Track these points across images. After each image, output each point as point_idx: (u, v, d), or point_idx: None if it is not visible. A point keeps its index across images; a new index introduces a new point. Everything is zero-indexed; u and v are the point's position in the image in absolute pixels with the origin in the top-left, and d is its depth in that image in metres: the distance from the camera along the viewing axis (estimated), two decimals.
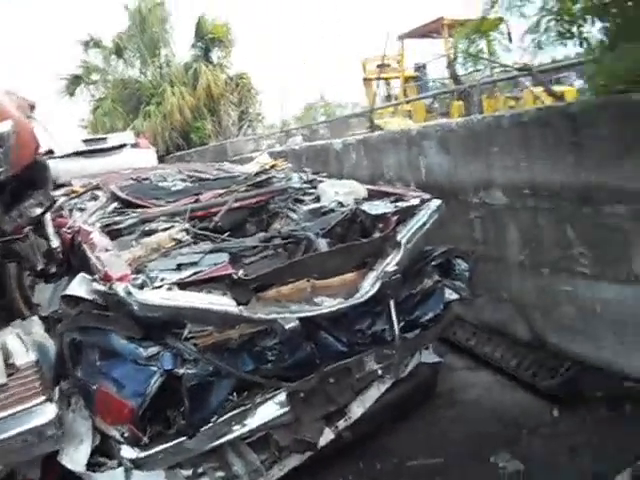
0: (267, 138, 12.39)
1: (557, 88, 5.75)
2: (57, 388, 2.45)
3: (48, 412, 2.29)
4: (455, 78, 6.54)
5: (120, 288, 2.00)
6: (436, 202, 2.85)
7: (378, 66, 10.09)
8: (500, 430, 2.75)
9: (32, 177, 2.73)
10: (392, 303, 2.48)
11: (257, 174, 3.97)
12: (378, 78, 7.97)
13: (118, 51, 14.83)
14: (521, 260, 3.18)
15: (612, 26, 2.52)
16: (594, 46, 2.76)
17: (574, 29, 2.81)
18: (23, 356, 2.32)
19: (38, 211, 2.86)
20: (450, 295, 2.82)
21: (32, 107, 3.28)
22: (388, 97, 12.73)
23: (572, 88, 6.89)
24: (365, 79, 12.37)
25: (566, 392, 2.88)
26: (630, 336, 2.65)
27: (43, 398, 2.31)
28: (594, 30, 2.82)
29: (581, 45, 2.89)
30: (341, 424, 2.51)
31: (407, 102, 10.25)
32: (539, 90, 5.19)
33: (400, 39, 11.50)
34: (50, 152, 5.87)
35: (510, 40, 3.46)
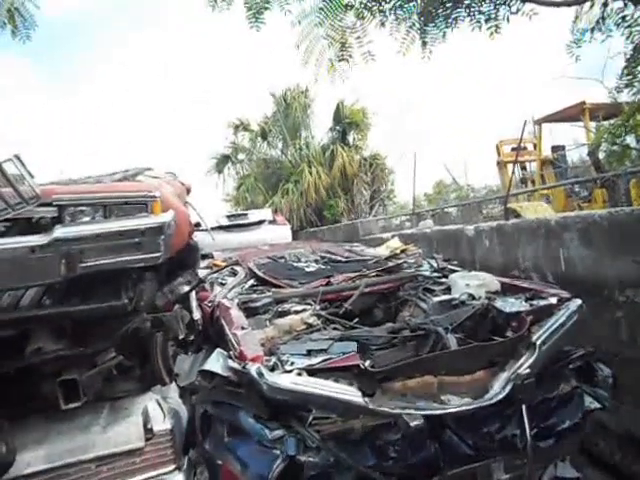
0: (398, 217, 12.57)
1: None
2: (186, 457, 2.57)
3: None
4: (597, 166, 6.24)
5: (253, 369, 2.10)
6: (576, 302, 2.67)
7: (513, 149, 9.92)
8: None
9: (184, 258, 3.03)
10: (524, 407, 2.32)
11: (387, 259, 4.02)
12: (514, 161, 7.82)
13: (263, 134, 16.18)
14: None
15: None
16: None
17: None
18: (160, 422, 2.48)
19: (186, 288, 3.14)
20: (590, 403, 2.56)
21: (188, 190, 3.67)
22: (524, 181, 12.39)
23: None
24: (499, 162, 12.21)
25: None
26: None
27: (173, 467, 2.45)
28: None
29: None
30: None
31: (545, 189, 9.87)
32: None
33: (537, 123, 11.28)
34: (197, 225, 6.47)
35: None
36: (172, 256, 2.58)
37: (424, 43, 5.30)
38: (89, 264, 2.17)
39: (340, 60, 4.79)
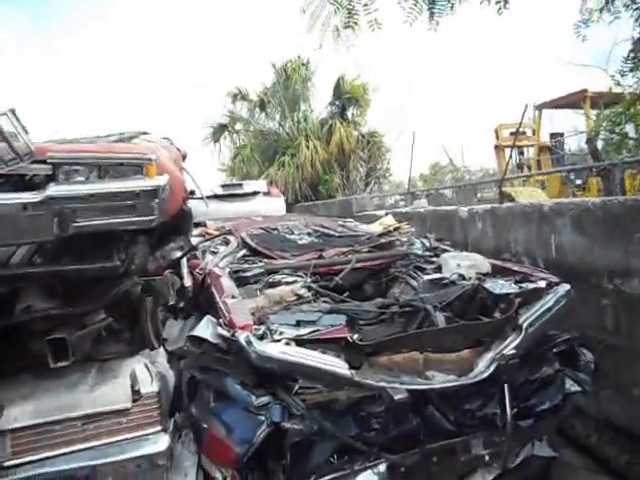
0: (392, 196, 12.54)
1: None
2: (172, 420, 2.61)
3: (162, 442, 2.45)
4: (594, 155, 6.23)
5: (242, 336, 2.12)
6: (565, 287, 2.70)
7: (512, 134, 9.88)
8: None
9: (177, 223, 3.02)
10: (507, 387, 2.37)
11: (380, 235, 4.03)
12: (512, 146, 7.80)
13: (262, 105, 15.93)
14: None
15: None
16: None
17: None
18: (147, 385, 2.50)
19: (178, 254, 3.14)
20: (571, 386, 2.62)
21: (184, 156, 3.64)
22: (520, 166, 12.39)
23: None
24: (497, 146, 12.18)
25: None
26: None
27: (159, 428, 2.48)
28: None
29: None
30: None
31: (541, 174, 9.87)
32: None
33: (537, 109, 11.22)
34: (192, 193, 6.45)
35: None
36: (165, 221, 2.57)
37: (432, 14, 5.19)
38: (82, 224, 2.16)
39: (346, 27, 4.68)
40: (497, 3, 4.76)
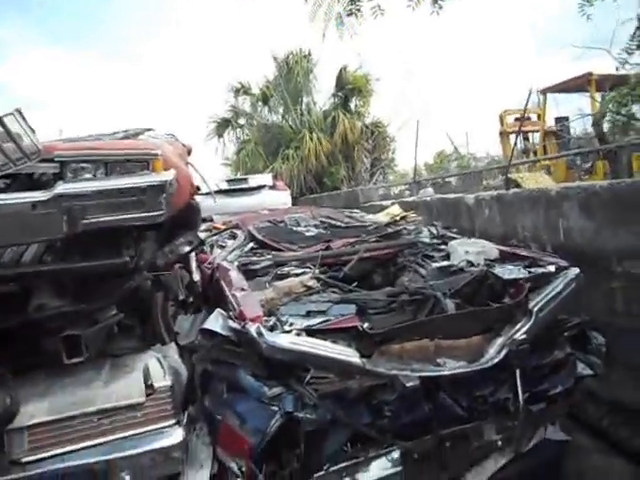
0: (397, 186, 12.49)
1: None
2: (186, 413, 2.63)
3: (176, 435, 2.47)
4: (601, 138, 6.17)
5: (252, 328, 2.14)
6: (574, 271, 2.70)
7: (516, 119, 9.81)
8: None
9: (185, 218, 3.03)
10: (518, 372, 2.37)
11: (387, 225, 4.03)
12: (517, 132, 7.76)
13: (264, 98, 15.88)
14: None
15: None
16: None
17: None
18: (161, 379, 2.52)
19: (187, 249, 3.15)
20: (583, 370, 2.62)
21: (189, 151, 3.64)
22: (526, 151, 12.30)
23: None
24: (502, 132, 12.09)
25: None
26: None
27: (173, 421, 2.50)
28: None
29: None
30: None
31: (547, 159, 9.80)
32: None
33: (542, 93, 11.12)
34: (197, 189, 6.47)
35: None
36: (173, 215, 2.58)
37: None
38: (91, 221, 2.17)
39: (349, 14, 4.60)
40: None
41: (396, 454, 2.25)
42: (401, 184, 12.39)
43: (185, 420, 2.60)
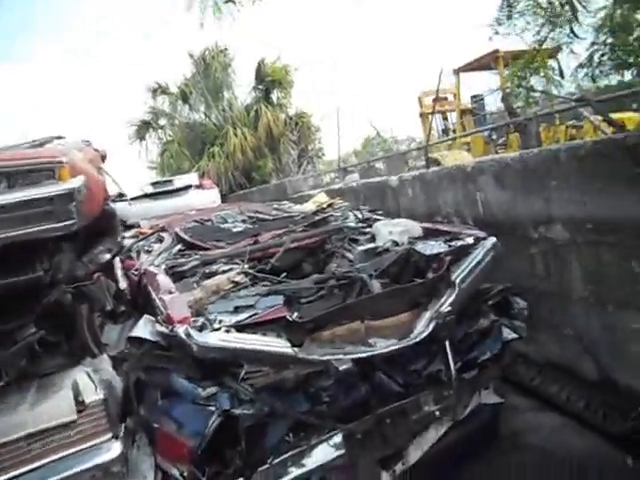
0: (326, 175, 12.58)
1: (619, 115, 5.56)
2: (123, 425, 2.55)
3: (114, 449, 2.39)
4: (510, 111, 6.46)
5: (180, 330, 2.09)
6: (491, 240, 2.81)
7: (434, 100, 10.08)
8: (569, 478, 2.61)
9: (102, 225, 2.93)
10: (447, 343, 2.45)
11: (314, 213, 4.05)
12: (434, 112, 7.97)
13: (184, 97, 15.57)
14: (585, 296, 3.06)
15: None
16: None
17: (631, 59, 2.75)
18: (92, 394, 2.44)
19: (107, 257, 3.05)
20: (508, 334, 2.74)
21: (104, 157, 3.52)
22: (445, 131, 12.66)
23: (635, 115, 6.56)
24: (422, 114, 12.38)
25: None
26: None
27: (110, 435, 2.42)
28: None
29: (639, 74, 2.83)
30: (398, 468, 2.48)
31: (462, 136, 10.15)
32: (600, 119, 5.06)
33: (455, 73, 11.46)
34: (121, 195, 6.28)
35: (562, 76, 3.43)
36: (89, 224, 2.48)
37: None
38: None
39: (226, 1, 4.43)
40: None
41: (338, 438, 2.28)
42: (328, 172, 12.48)
43: (122, 433, 2.52)
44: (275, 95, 15.48)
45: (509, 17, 3.51)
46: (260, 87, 15.26)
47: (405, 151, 11.96)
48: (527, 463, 2.79)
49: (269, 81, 15.02)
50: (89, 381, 2.52)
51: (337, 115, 8.47)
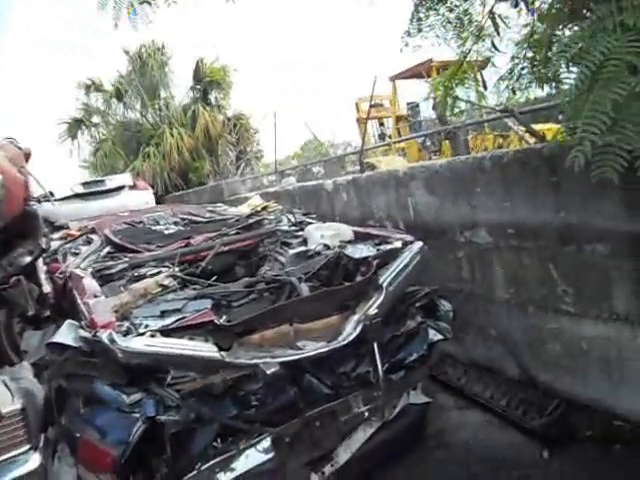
0: (265, 177, 12.53)
1: (541, 126, 5.88)
2: (43, 436, 2.45)
3: (33, 461, 2.29)
4: (440, 119, 6.70)
5: (104, 335, 2.03)
6: (418, 244, 2.90)
7: (371, 106, 10.28)
8: (490, 473, 2.73)
9: (22, 226, 2.80)
10: (375, 345, 2.50)
11: (248, 216, 4.03)
12: (368, 118, 8.13)
13: (118, 94, 15.07)
14: (507, 298, 3.21)
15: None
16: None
17: (549, 74, 2.91)
18: (9, 404, 2.32)
19: (28, 259, 2.91)
20: (434, 336, 2.83)
21: (27, 155, 3.35)
22: (382, 136, 12.92)
23: (555, 126, 6.98)
24: (358, 119, 12.58)
25: (556, 431, 2.87)
26: (616, 374, 2.66)
27: (27, 447, 2.31)
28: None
29: (557, 88, 2.99)
30: (327, 469, 2.50)
31: (396, 142, 10.41)
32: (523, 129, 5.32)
33: (391, 80, 11.74)
34: (51, 194, 6.01)
35: (485, 87, 3.59)
36: (7, 225, 2.37)
37: None
38: None
39: (142, 2, 4.29)
40: None
41: (267, 442, 2.27)
42: (266, 175, 12.45)
43: (42, 443, 2.42)
44: (213, 96, 15.28)
45: (419, 30, 3.64)
46: (198, 87, 15.00)
47: (341, 155, 12.09)
48: (452, 459, 2.90)
49: (207, 81, 14.80)
50: (5, 390, 2.40)
51: (274, 118, 8.49)
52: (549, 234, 2.83)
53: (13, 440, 2.29)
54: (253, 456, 2.26)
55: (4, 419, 2.30)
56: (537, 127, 5.06)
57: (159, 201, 9.01)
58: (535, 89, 3.01)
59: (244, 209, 4.55)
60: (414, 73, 10.80)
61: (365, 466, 2.68)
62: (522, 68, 2.82)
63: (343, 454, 2.56)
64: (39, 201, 3.49)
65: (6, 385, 2.42)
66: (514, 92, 2.92)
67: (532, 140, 4.37)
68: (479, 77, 3.50)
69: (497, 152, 3.35)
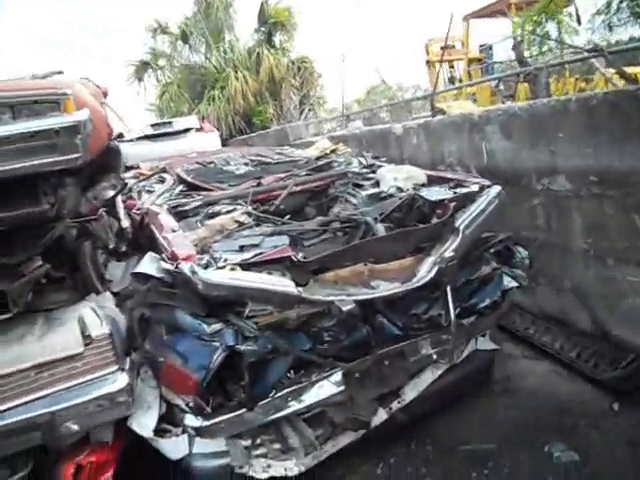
0: (328, 122, 12.37)
1: (632, 69, 5.42)
2: (128, 359, 2.61)
3: (120, 380, 2.45)
4: (521, 60, 6.29)
5: (186, 267, 2.11)
6: (496, 189, 2.81)
7: (441, 48, 9.80)
8: (556, 420, 2.72)
9: (106, 161, 2.89)
10: (449, 289, 2.48)
11: (317, 158, 4.01)
12: (441, 60, 7.74)
13: (184, 37, 15.08)
14: (585, 249, 3.09)
15: None
16: None
17: None
18: (98, 328, 2.47)
19: (111, 193, 3.03)
20: (509, 283, 2.78)
21: (105, 94, 3.44)
22: (452, 80, 12.38)
23: None
24: (428, 61, 12.08)
25: (628, 385, 2.80)
26: None
27: (116, 367, 2.47)
28: None
29: None
30: (395, 405, 2.56)
31: (469, 85, 9.94)
32: (612, 72, 4.93)
33: (465, 20, 11.12)
34: (120, 136, 6.18)
35: (579, 22, 3.32)
36: (93, 159, 2.45)
37: None
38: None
39: None
40: None
41: (338, 376, 2.34)
42: (331, 119, 12.25)
43: (128, 365, 2.58)
44: (278, 38, 15.05)
45: None
46: (262, 29, 14.79)
47: (410, 99, 11.70)
48: (517, 406, 2.90)
49: (272, 23, 14.54)
50: (94, 316, 2.55)
51: (341, 61, 8.23)
52: (636, 182, 2.67)
53: (102, 361, 2.46)
54: (324, 388, 2.33)
55: (94, 341, 2.46)
56: (628, 70, 4.68)
57: (224, 144, 9.07)
58: (632, 26, 2.77)
59: (312, 151, 4.52)
60: (490, 11, 10.18)
61: (431, 405, 2.72)
62: (621, 1, 2.58)
63: (410, 392, 2.60)
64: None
65: (95, 311, 2.58)
66: (610, 28, 2.69)
67: (621, 83, 4.06)
68: (572, 11, 3.24)
69: (585, 94, 3.14)
